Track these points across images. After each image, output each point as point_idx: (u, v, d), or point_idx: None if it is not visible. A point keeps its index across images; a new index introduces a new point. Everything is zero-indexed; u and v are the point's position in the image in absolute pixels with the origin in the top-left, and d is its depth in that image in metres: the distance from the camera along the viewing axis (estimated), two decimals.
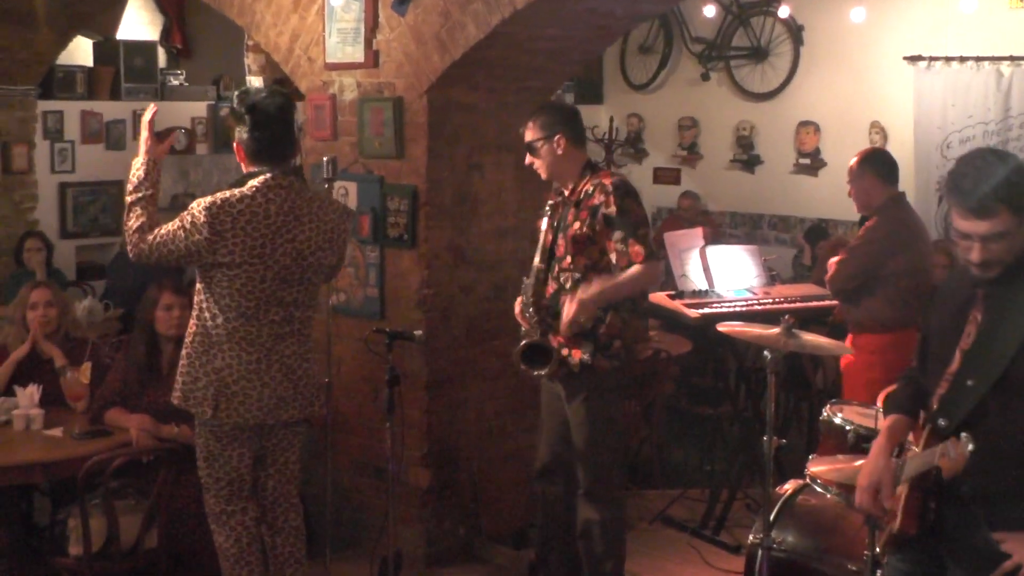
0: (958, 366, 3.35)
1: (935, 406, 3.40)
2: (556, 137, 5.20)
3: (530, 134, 5.26)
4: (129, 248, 4.75)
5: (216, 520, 4.88)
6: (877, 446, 3.52)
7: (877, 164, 6.21)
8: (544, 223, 5.28)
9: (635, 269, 5.01)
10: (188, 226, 4.57)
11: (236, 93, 4.96)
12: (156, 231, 4.65)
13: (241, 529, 4.86)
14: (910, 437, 3.54)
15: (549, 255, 5.25)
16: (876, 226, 6.18)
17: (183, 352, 4.77)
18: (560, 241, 5.22)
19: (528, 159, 5.29)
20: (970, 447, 3.16)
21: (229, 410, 4.67)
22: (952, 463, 3.20)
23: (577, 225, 5.14)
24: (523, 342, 5.17)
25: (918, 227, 6.29)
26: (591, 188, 5.16)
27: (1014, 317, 3.25)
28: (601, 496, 5.27)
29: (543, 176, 5.30)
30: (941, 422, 3.33)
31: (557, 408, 5.34)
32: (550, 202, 5.32)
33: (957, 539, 3.34)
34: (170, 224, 4.63)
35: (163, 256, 4.65)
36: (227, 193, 4.62)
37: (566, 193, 5.26)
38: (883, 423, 3.60)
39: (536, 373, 5.17)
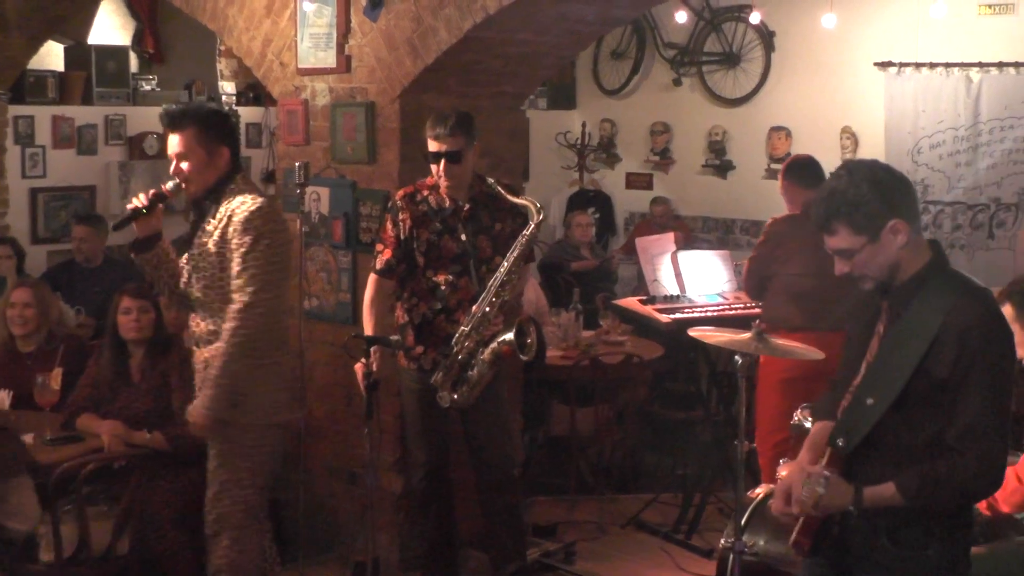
0: (860, 381, 3.34)
1: (838, 421, 3.38)
2: (475, 144, 5.32)
3: (455, 142, 5.22)
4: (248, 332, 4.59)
5: (254, 534, 4.86)
6: (801, 455, 3.49)
7: (795, 171, 6.50)
8: (433, 235, 5.31)
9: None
10: (277, 245, 4.61)
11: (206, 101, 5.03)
12: (249, 300, 4.55)
13: (264, 538, 4.94)
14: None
15: (458, 260, 5.32)
16: (770, 225, 6.47)
17: (222, 370, 4.59)
18: (484, 245, 5.33)
19: (443, 168, 5.24)
20: (819, 491, 3.18)
21: (294, 406, 4.86)
22: (809, 501, 3.21)
23: (499, 227, 5.36)
24: (512, 330, 5.19)
25: None
26: (489, 191, 5.30)
27: (911, 335, 3.21)
28: (517, 478, 5.59)
29: (452, 186, 5.29)
30: (839, 442, 3.29)
31: (435, 410, 5.38)
32: (419, 209, 5.34)
33: (861, 554, 3.32)
34: (254, 280, 4.55)
35: (280, 295, 4.67)
36: (257, 199, 4.66)
37: (460, 202, 5.32)
38: (810, 431, 3.56)
39: (524, 357, 5.22)
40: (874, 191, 3.22)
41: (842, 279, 6.29)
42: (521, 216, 5.27)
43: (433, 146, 5.24)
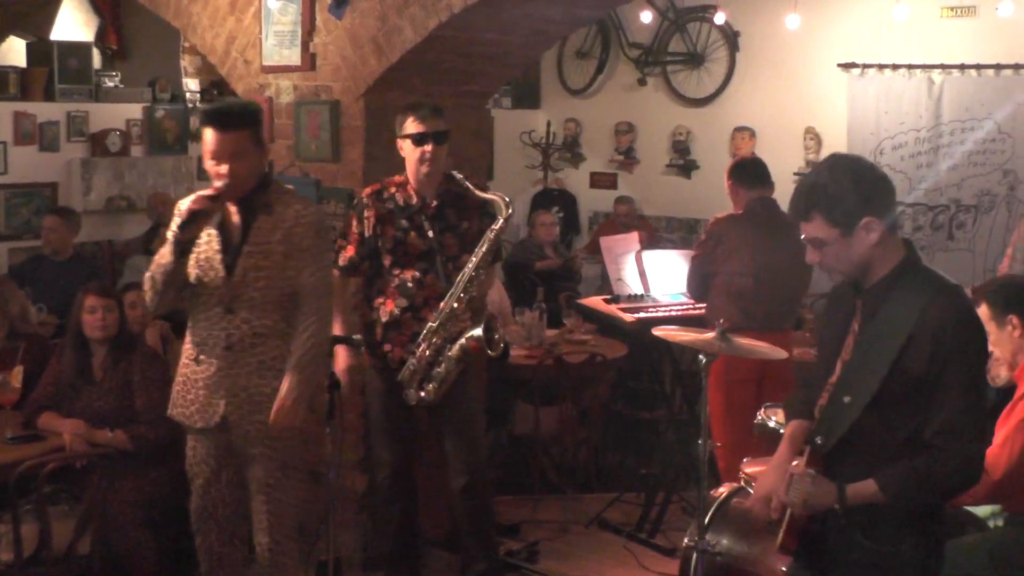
0: (837, 379, 3.36)
1: (816, 419, 3.41)
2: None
3: (439, 123, 5.26)
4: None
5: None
6: (778, 455, 3.51)
7: (738, 171, 6.55)
8: (399, 232, 5.30)
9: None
10: (332, 245, 4.96)
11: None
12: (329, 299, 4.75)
13: None
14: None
15: (424, 257, 5.30)
16: (711, 225, 6.46)
17: (314, 363, 4.60)
18: (450, 242, 5.32)
19: (429, 148, 5.22)
20: (809, 488, 3.21)
21: None
22: (798, 501, 3.24)
23: (466, 225, 5.35)
24: (480, 326, 5.19)
25: (770, 230, 6.29)
26: (456, 189, 5.29)
27: (887, 333, 3.24)
28: (486, 478, 5.59)
29: (430, 173, 5.27)
30: (818, 440, 3.32)
31: (401, 409, 5.39)
32: (385, 207, 5.32)
33: (836, 553, 3.35)
34: (328, 277, 4.76)
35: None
36: (313, 203, 4.98)
37: (427, 199, 5.31)
38: (786, 430, 3.59)
39: (492, 353, 5.23)
40: (854, 187, 3.24)
41: (782, 280, 6.34)
42: (488, 215, 5.27)
43: (418, 128, 5.22)
